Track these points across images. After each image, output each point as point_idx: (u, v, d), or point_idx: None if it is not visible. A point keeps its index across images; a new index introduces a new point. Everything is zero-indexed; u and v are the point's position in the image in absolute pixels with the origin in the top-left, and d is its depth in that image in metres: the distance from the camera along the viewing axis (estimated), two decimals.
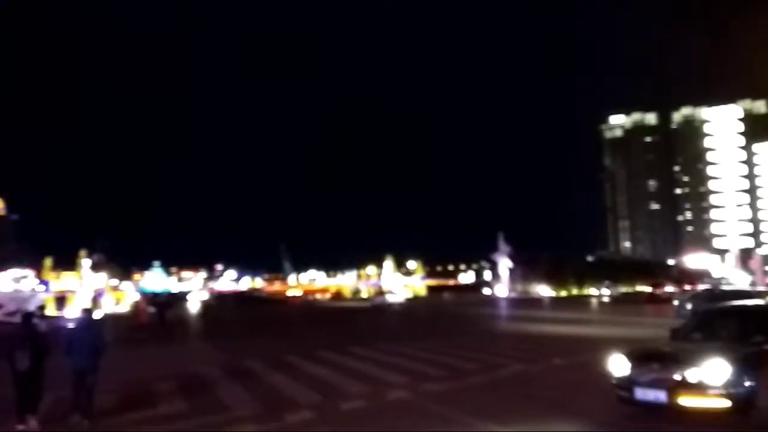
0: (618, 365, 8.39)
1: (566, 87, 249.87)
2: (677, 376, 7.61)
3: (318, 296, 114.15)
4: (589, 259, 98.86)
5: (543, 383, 11.76)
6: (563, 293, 75.23)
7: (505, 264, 78.81)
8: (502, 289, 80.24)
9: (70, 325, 10.71)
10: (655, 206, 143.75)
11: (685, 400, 7.47)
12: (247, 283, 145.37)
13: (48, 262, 59.28)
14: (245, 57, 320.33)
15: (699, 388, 7.37)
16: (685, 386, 7.48)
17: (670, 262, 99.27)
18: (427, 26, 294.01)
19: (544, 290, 74.13)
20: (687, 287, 51.36)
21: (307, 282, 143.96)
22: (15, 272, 60.76)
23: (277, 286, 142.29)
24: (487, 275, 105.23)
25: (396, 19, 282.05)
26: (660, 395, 7.67)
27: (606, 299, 56.53)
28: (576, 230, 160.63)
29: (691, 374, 7.48)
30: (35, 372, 8.98)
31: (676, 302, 28.18)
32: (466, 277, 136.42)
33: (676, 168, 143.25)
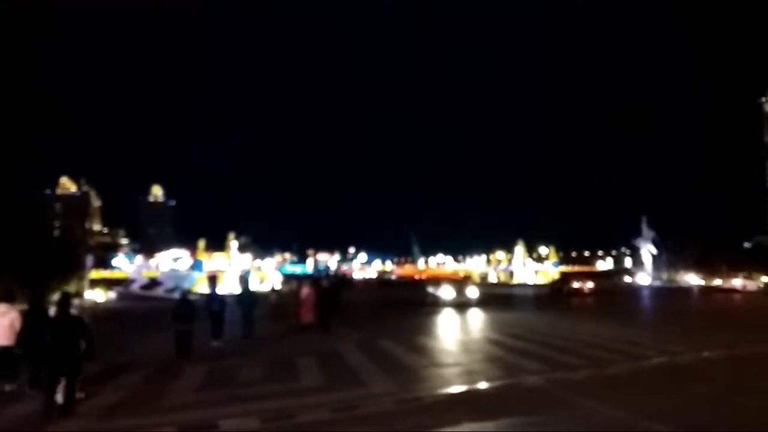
0: None
1: (716, 54, 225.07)
2: None
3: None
4: (746, 245, 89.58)
5: (690, 375, 10.92)
6: (715, 282, 68.79)
7: (648, 250, 73.84)
8: (644, 277, 75.44)
9: (235, 293, 18.70)
10: None
11: None
12: (377, 266, 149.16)
13: (201, 243, 63.40)
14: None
15: None
16: None
17: None
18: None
19: (692, 279, 68.30)
20: None
21: (435, 266, 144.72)
22: (173, 253, 65.98)
23: (406, 270, 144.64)
24: (628, 262, 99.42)
25: None
26: None
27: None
28: (730, 214, 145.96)
29: None
30: (221, 312, 16.28)
31: None
32: (604, 264, 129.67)
33: None
